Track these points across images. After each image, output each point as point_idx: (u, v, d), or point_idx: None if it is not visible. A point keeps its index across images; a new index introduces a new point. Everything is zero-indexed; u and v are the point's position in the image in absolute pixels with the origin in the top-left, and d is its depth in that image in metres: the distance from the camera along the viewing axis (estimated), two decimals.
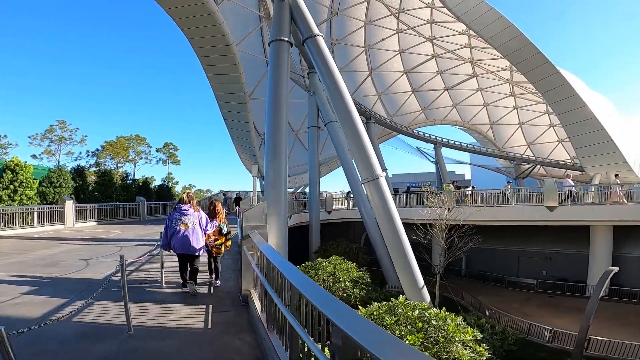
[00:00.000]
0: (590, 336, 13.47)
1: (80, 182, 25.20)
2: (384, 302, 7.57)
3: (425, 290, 12.47)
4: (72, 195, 21.58)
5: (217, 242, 6.49)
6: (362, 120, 34.21)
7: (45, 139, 43.54)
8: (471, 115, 42.05)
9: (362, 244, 24.68)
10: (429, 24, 30.46)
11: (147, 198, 25.32)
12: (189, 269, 6.00)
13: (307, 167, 39.09)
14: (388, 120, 36.07)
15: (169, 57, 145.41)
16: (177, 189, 65.55)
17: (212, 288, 6.40)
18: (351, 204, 28.56)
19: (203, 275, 6.76)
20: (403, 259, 12.10)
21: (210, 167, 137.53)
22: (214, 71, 24.13)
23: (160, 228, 6.48)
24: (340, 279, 12.56)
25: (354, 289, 12.64)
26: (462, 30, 28.76)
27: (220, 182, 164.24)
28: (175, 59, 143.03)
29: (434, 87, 38.15)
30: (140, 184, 31.37)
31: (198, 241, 5.79)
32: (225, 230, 6.58)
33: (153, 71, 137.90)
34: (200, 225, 5.91)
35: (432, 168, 40.57)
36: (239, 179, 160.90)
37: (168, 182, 52.52)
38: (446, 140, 38.51)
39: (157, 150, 55.52)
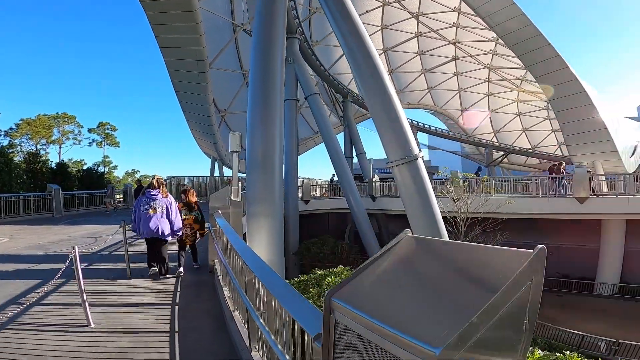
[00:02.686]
0: (620, 340, 12.02)
1: None
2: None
3: None
4: None
5: (193, 231, 6.41)
6: (338, 99, 31.28)
7: None
8: (445, 101, 40.88)
9: (347, 240, 21.61)
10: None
11: (65, 186, 19.40)
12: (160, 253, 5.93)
13: None
14: (363, 101, 32.93)
15: (106, 21, 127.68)
16: (118, 174, 57.42)
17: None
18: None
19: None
20: None
21: (160, 150, 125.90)
22: (167, 32, 18.95)
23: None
24: None
25: None
26: (454, 8, 26.31)
27: (171, 167, 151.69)
28: (116, 23, 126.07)
29: (412, 68, 35.99)
30: (53, 167, 23.65)
31: (167, 226, 5.77)
32: (200, 218, 6.46)
33: (90, 40, 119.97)
34: (169, 210, 5.86)
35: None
36: (194, 163, 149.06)
37: (104, 167, 44.68)
38: (422, 125, 36.67)
39: (89, 131, 47.54)
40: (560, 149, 43.11)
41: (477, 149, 43.94)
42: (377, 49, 32.59)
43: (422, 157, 8.90)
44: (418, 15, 29.38)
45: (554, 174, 16.84)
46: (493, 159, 39.62)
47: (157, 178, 6.01)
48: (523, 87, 35.92)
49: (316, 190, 26.64)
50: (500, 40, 29.58)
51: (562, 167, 18.48)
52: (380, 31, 31.42)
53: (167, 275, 5.90)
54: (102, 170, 49.17)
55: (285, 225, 20.22)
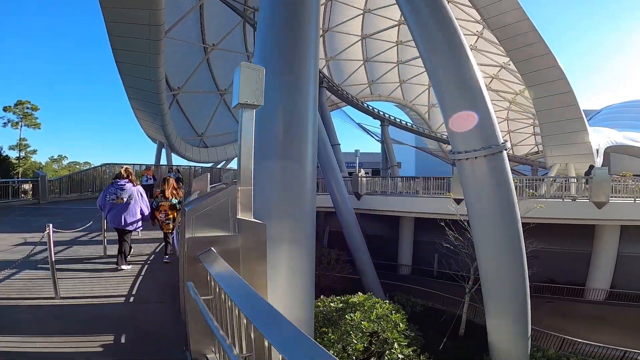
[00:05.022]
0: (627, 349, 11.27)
1: None
2: None
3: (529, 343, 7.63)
4: None
5: (167, 218, 6.20)
6: None
7: None
8: (414, 95, 40.20)
9: (325, 243, 19.06)
10: None
11: None
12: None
13: (233, 136, 31.46)
14: (339, 90, 30.50)
15: None
16: (39, 158, 48.77)
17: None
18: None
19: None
20: (517, 289, 6.88)
21: (94, 134, 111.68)
22: None
23: None
24: (393, 347, 6.85)
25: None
26: None
27: (107, 154, 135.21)
28: None
29: (387, 59, 34.44)
30: None
31: (132, 216, 5.73)
32: (178, 206, 6.20)
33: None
34: (136, 199, 5.77)
35: (376, 148, 37.27)
36: (137, 150, 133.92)
37: (19, 150, 37.32)
38: (393, 118, 35.33)
39: (4, 109, 39.60)
40: (513, 150, 45.38)
41: (440, 146, 44.24)
42: (355, 34, 30.77)
43: (507, 150, 6.64)
44: None
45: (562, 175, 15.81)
46: None
47: (126, 168, 6.01)
48: (492, 86, 36.29)
49: None
50: (484, 34, 29.21)
51: None
52: (361, 15, 29.11)
53: (124, 267, 5.58)
54: (18, 155, 41.08)
55: None
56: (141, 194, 5.92)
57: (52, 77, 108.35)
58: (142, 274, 5.06)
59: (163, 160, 25.73)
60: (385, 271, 19.25)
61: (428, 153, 46.00)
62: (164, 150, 25.90)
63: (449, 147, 42.67)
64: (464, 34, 25.18)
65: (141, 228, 5.99)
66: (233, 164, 33.00)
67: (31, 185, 14.91)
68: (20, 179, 17.30)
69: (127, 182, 5.77)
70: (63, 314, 3.64)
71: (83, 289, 4.34)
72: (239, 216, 2.54)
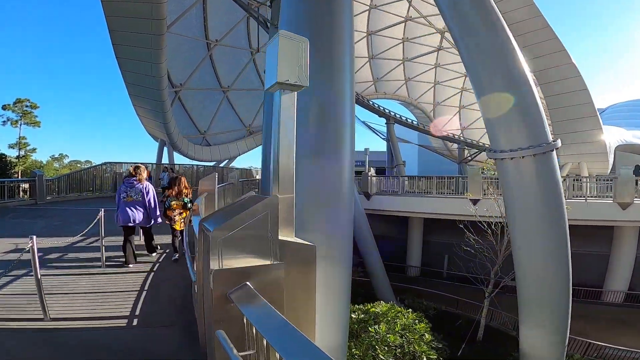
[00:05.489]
0: None
1: None
2: None
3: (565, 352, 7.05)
4: None
5: (181, 216, 6.29)
6: None
7: None
8: (420, 93, 39.48)
9: None
10: None
11: None
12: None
13: (236, 134, 30.91)
14: None
15: None
16: (40, 157, 48.47)
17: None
18: None
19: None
20: (560, 298, 6.28)
21: (96, 132, 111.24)
22: None
23: None
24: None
25: None
26: None
27: (109, 153, 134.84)
28: None
29: (393, 56, 33.77)
30: None
31: (138, 213, 5.73)
32: (189, 205, 6.32)
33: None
34: (144, 197, 5.80)
35: (380, 146, 36.63)
36: (139, 149, 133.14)
37: (19, 149, 37.04)
38: (399, 117, 34.67)
39: (3, 108, 39.20)
40: None
41: (445, 144, 43.59)
42: (360, 31, 30.14)
43: (558, 148, 6.02)
44: None
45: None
46: (464, 156, 39.20)
47: (136, 166, 6.05)
48: None
49: None
50: None
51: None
52: (367, 11, 28.47)
53: (131, 265, 5.54)
54: (18, 154, 40.53)
55: None
56: (149, 192, 5.94)
57: (52, 74, 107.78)
58: (146, 287, 4.44)
59: (165, 159, 25.15)
60: (392, 272, 18.67)
61: (432, 151, 45.37)
62: (165, 149, 25.34)
63: (455, 146, 42.16)
64: None
65: (148, 225, 6.00)
66: (236, 163, 32.44)
67: (28, 185, 14.33)
68: (15, 178, 16.68)
69: (136, 181, 5.83)
70: (53, 340, 3.06)
71: (78, 307, 3.74)
72: (282, 237, 1.93)
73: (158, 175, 19.82)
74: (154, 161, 25.36)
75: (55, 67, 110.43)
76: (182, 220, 6.32)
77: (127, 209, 5.65)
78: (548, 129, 6.20)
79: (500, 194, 11.60)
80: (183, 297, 4.14)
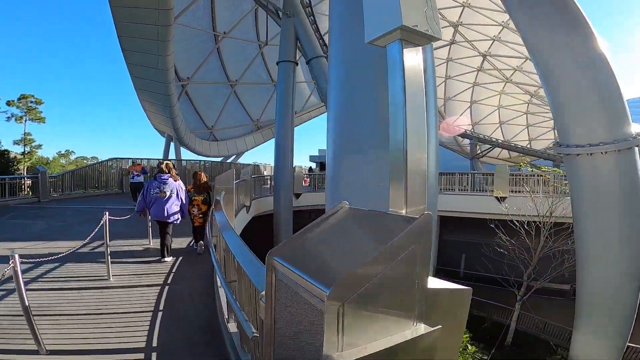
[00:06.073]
0: None
1: None
2: None
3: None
4: None
5: (200, 212, 6.51)
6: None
7: None
8: None
9: None
10: None
11: None
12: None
13: (244, 129, 30.18)
14: None
15: None
16: (46, 154, 48.26)
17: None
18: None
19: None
20: (628, 306, 5.52)
21: (102, 127, 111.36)
22: None
23: None
24: None
25: None
26: None
27: (115, 149, 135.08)
28: None
29: None
30: None
31: (172, 209, 5.95)
32: (208, 200, 6.58)
33: None
34: (177, 194, 6.06)
35: None
36: (145, 144, 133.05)
37: (24, 145, 36.81)
38: None
39: (8, 104, 38.99)
40: (531, 144, 43.71)
41: (456, 140, 42.64)
42: None
43: None
44: None
45: None
46: (476, 152, 38.23)
47: (167, 163, 6.28)
48: (513, 78, 34.55)
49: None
50: (510, 25, 27.43)
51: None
52: None
53: (167, 259, 5.86)
54: (23, 150, 40.14)
55: (275, 227, 15.85)
56: (182, 188, 6.16)
57: (57, 70, 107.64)
58: (162, 306, 3.69)
59: (172, 155, 24.52)
60: None
61: (442, 146, 44.43)
62: (172, 145, 24.72)
63: (466, 141, 41.14)
64: (489, 24, 23.70)
65: (179, 221, 6.13)
66: (243, 159, 31.71)
67: (31, 182, 13.69)
68: (17, 175, 16.06)
69: (170, 177, 6.05)
70: None
71: (80, 334, 3.00)
72: (431, 284, 1.10)
73: (153, 171, 19.10)
74: (161, 157, 24.73)
75: (61, 63, 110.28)
76: (201, 215, 6.47)
77: (161, 204, 5.82)
78: (631, 122, 5.32)
79: (534, 192, 10.78)
80: (209, 322, 3.39)
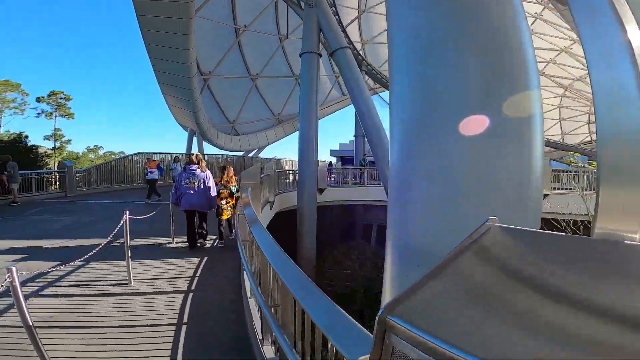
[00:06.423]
0: None
1: None
2: None
3: None
4: None
5: (229, 204, 6.54)
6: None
7: None
8: None
9: (372, 243, 17.10)
10: None
11: None
12: (196, 225, 6.27)
13: (265, 123, 29.93)
14: (379, 74, 28.09)
15: None
16: (75, 148, 50.01)
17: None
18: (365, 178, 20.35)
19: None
20: None
21: (129, 123, 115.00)
22: None
23: None
24: None
25: None
26: None
27: (141, 144, 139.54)
28: None
29: None
30: None
31: (203, 199, 6.18)
32: (235, 193, 6.61)
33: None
34: (205, 184, 6.20)
35: None
36: (167, 138, 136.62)
37: (55, 140, 38.16)
38: None
39: (38, 100, 40.29)
40: (563, 139, 41.46)
41: None
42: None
43: None
44: None
45: None
46: None
47: (196, 155, 6.54)
48: (546, 71, 32.61)
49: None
50: (544, 15, 25.73)
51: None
52: None
53: (206, 244, 6.25)
54: (54, 145, 41.62)
55: (299, 223, 15.42)
56: (210, 179, 6.30)
57: (84, 66, 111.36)
58: (186, 317, 3.27)
59: (195, 149, 24.54)
60: None
61: None
62: (195, 139, 24.74)
63: None
64: None
65: (207, 210, 6.33)
66: (264, 154, 31.53)
67: (58, 177, 13.84)
68: (44, 170, 16.32)
69: (198, 168, 6.20)
70: None
71: (93, 353, 2.60)
72: None
73: (169, 166, 19.04)
74: (184, 151, 24.82)
75: (88, 60, 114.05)
76: (229, 209, 6.56)
77: (190, 194, 6.02)
78: None
79: (586, 189, 9.85)
80: (239, 340, 2.92)
